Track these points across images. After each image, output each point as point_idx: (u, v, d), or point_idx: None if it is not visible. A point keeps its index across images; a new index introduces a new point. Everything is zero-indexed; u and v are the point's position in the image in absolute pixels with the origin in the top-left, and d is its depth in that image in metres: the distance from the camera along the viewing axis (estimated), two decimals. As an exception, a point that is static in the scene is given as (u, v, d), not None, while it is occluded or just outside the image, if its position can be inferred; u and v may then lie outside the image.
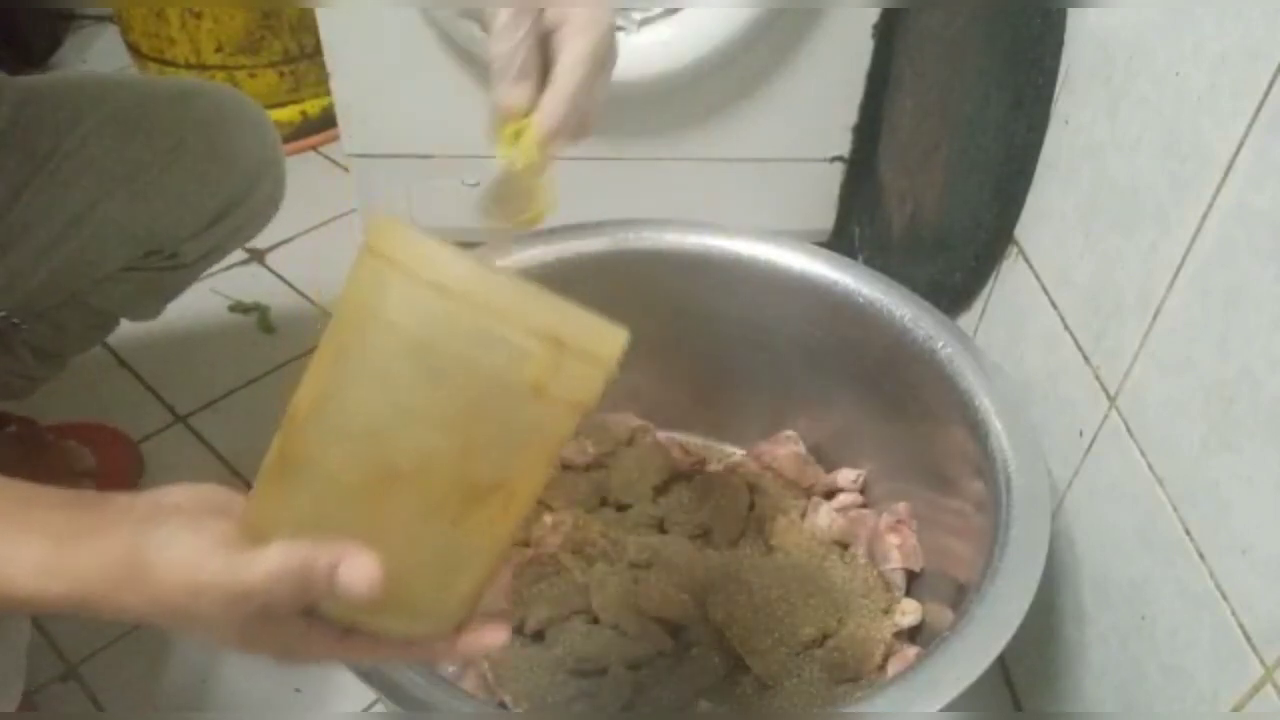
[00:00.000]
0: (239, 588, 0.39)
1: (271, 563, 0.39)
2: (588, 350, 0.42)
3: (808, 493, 0.96)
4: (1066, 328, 0.79)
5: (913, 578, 0.88)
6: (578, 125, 0.61)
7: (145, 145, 0.83)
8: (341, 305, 0.42)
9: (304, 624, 0.42)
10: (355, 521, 0.41)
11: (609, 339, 0.44)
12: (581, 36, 0.56)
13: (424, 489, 0.41)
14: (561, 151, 0.60)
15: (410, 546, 0.42)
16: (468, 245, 0.89)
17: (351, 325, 0.42)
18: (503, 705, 0.78)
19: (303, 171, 1.48)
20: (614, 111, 1.18)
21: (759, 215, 1.22)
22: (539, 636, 0.84)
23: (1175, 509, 0.65)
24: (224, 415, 1.13)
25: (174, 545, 0.40)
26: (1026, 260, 0.85)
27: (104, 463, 1.01)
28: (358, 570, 0.39)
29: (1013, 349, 0.88)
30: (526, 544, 0.90)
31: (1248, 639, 0.58)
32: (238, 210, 0.90)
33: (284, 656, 0.44)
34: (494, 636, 0.45)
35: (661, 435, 1.01)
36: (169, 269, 0.91)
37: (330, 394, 0.42)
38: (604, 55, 0.58)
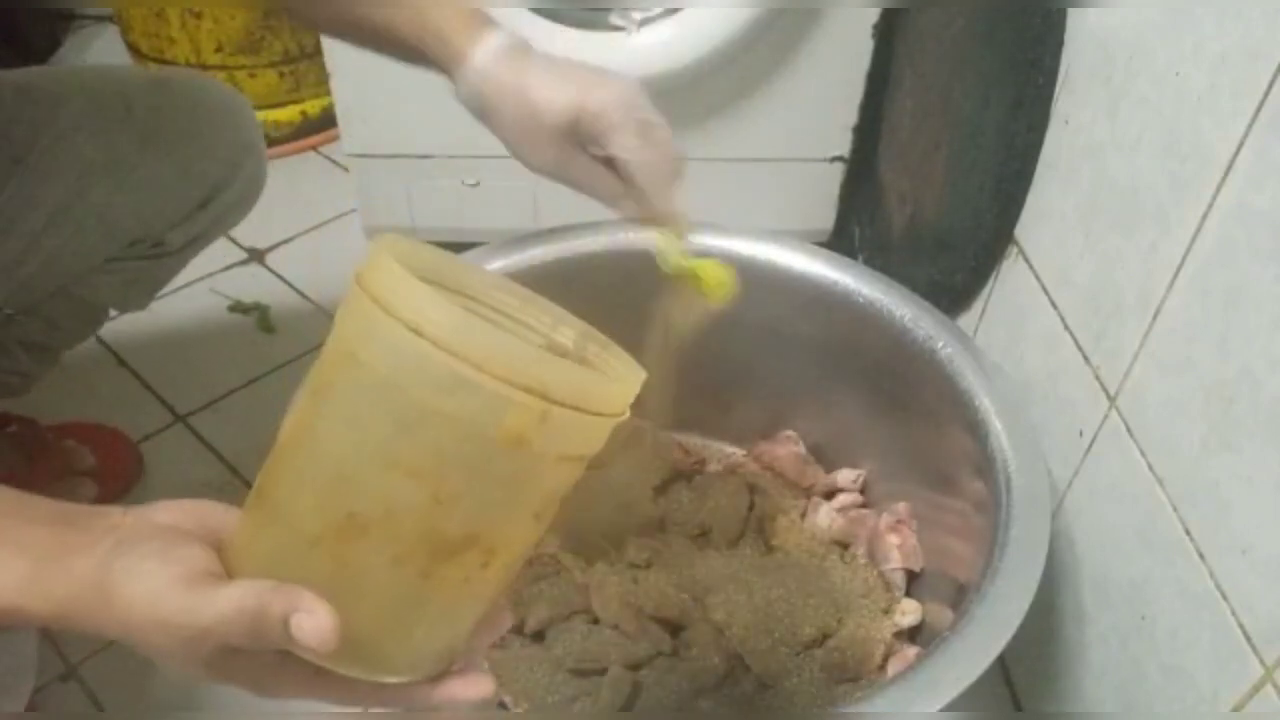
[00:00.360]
0: (195, 628, 0.39)
1: (227, 605, 0.39)
2: (582, 403, 0.40)
3: (808, 493, 0.96)
4: (1066, 328, 0.79)
5: (913, 578, 0.88)
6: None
7: (123, 135, 0.83)
8: (329, 339, 0.41)
9: (276, 660, 0.41)
10: (319, 566, 0.40)
11: (614, 389, 0.42)
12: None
13: (390, 539, 0.40)
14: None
15: (375, 597, 0.41)
16: (467, 246, 0.90)
17: (330, 362, 0.40)
18: (503, 705, 0.77)
19: (303, 171, 1.48)
20: (614, 111, 1.18)
21: (759, 215, 1.22)
22: (539, 636, 0.84)
23: (1175, 509, 0.65)
24: (224, 415, 1.13)
25: (138, 578, 0.40)
26: (1026, 260, 0.85)
27: (104, 463, 1.01)
28: (310, 622, 0.38)
29: (1013, 349, 0.88)
30: (526, 544, 0.90)
31: (1248, 639, 0.58)
32: (220, 196, 0.90)
33: (256, 691, 0.43)
34: (472, 690, 0.44)
35: (661, 435, 1.01)
36: (155, 258, 0.90)
37: (303, 431, 0.41)
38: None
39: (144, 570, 0.40)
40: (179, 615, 0.39)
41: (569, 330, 0.48)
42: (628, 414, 0.43)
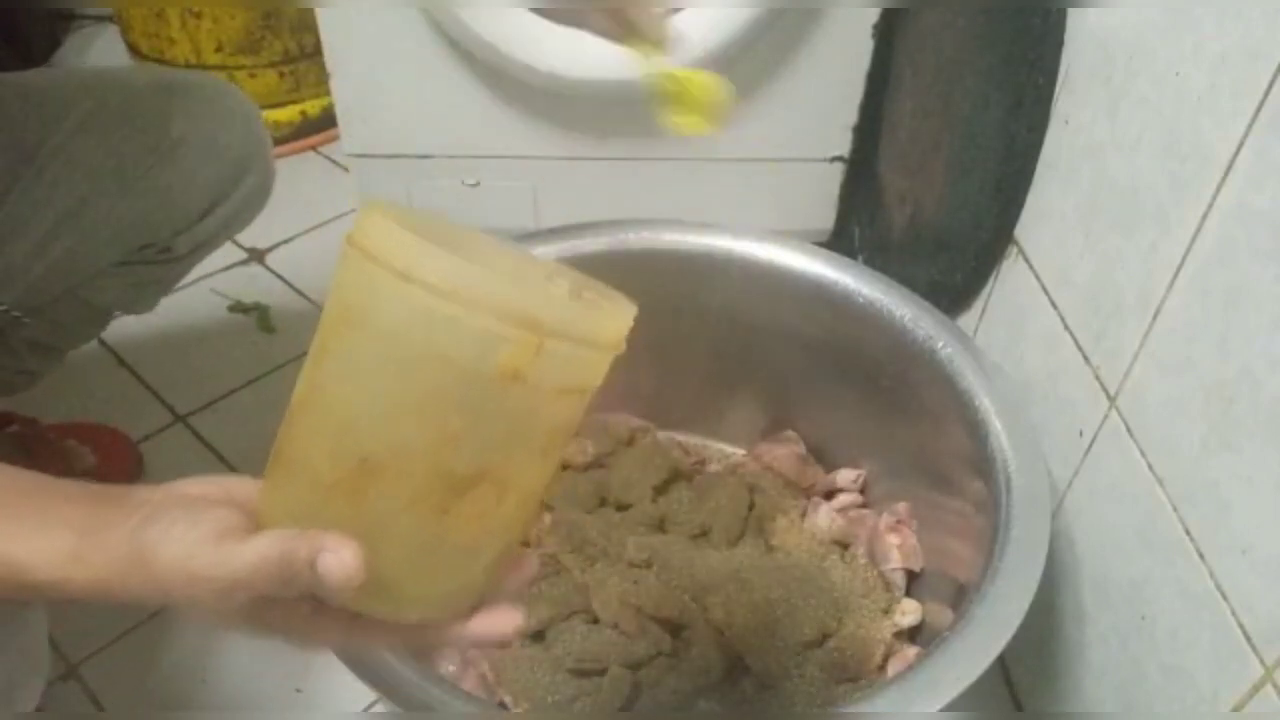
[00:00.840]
0: (226, 580, 0.40)
1: (254, 554, 0.40)
2: (577, 334, 0.41)
3: (808, 493, 0.96)
4: (1066, 328, 0.79)
5: (913, 578, 0.88)
6: None
7: (132, 140, 0.83)
8: (328, 299, 0.42)
9: (310, 609, 0.43)
10: (339, 511, 0.41)
11: (606, 321, 0.43)
12: None
13: (403, 480, 0.41)
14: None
15: (396, 537, 0.42)
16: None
17: (331, 319, 0.42)
18: (503, 705, 0.78)
19: (303, 171, 1.48)
20: (614, 111, 1.19)
21: (759, 215, 1.22)
22: (539, 636, 0.84)
23: (1175, 509, 0.65)
24: (224, 415, 1.13)
25: (170, 541, 0.41)
26: (1026, 260, 0.85)
27: (104, 462, 1.01)
28: (335, 560, 0.40)
29: (1013, 349, 0.88)
30: (526, 544, 0.90)
31: (1248, 639, 0.58)
32: (228, 201, 0.90)
33: (293, 640, 0.45)
34: (505, 622, 0.45)
35: (661, 435, 1.01)
36: (162, 263, 0.90)
37: (310, 390, 0.42)
38: None
39: (174, 534, 0.41)
40: (209, 569, 0.40)
41: (563, 281, 0.49)
42: (623, 348, 0.44)
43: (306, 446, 0.42)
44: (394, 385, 0.40)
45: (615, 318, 0.44)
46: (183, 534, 0.41)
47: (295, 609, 0.43)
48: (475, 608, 0.46)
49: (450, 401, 0.40)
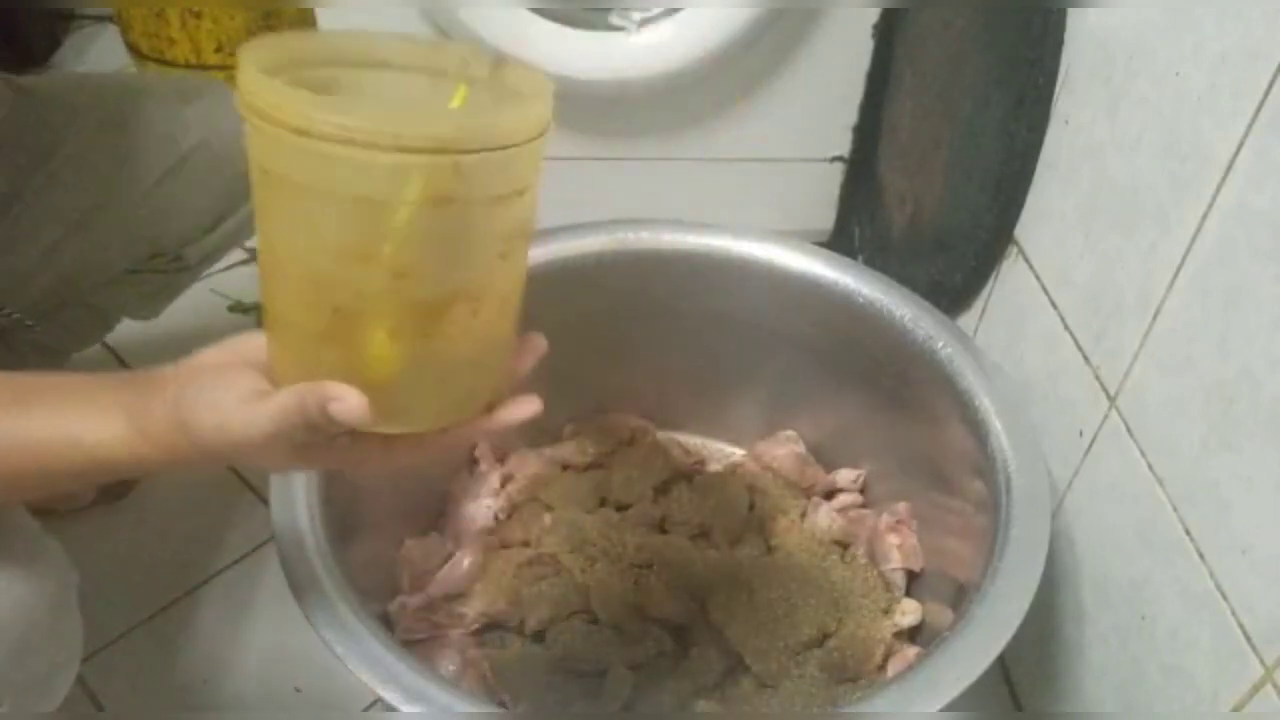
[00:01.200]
0: (260, 438, 0.45)
1: (274, 413, 0.44)
2: (493, 140, 0.41)
3: (808, 493, 0.96)
4: (1066, 328, 0.79)
5: (913, 578, 0.88)
6: None
7: (144, 148, 0.83)
8: (249, 160, 0.43)
9: (348, 440, 0.48)
10: (336, 354, 0.44)
11: (521, 112, 0.43)
12: None
13: (379, 319, 0.43)
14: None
15: (395, 366, 0.44)
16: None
17: (255, 181, 0.43)
18: (503, 705, 0.78)
19: (303, 171, 1.48)
20: (614, 111, 1.19)
21: (759, 215, 1.22)
22: (539, 636, 0.84)
23: (1175, 509, 0.65)
24: (224, 415, 1.13)
25: (201, 411, 0.46)
26: (1026, 260, 0.85)
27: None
28: (342, 406, 0.43)
29: (1013, 349, 0.88)
30: (526, 544, 0.90)
31: (1248, 639, 0.58)
32: (239, 210, 0.90)
33: (345, 467, 0.52)
34: (524, 410, 0.49)
35: (661, 435, 1.01)
36: (173, 271, 0.91)
37: (266, 249, 0.45)
38: None
39: (204, 405, 0.46)
40: (243, 432, 0.45)
41: (482, 63, 0.49)
42: (546, 134, 0.44)
43: (284, 305, 0.45)
44: (331, 235, 0.41)
45: (531, 104, 0.43)
46: (212, 404, 0.46)
47: (336, 443, 0.48)
48: (493, 403, 0.49)
49: (390, 239, 0.41)
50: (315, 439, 0.46)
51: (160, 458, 0.47)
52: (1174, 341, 0.65)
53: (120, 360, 1.18)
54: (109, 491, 1.01)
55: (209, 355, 0.50)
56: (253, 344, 0.49)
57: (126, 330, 1.21)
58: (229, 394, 0.46)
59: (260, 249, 0.45)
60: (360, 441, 0.48)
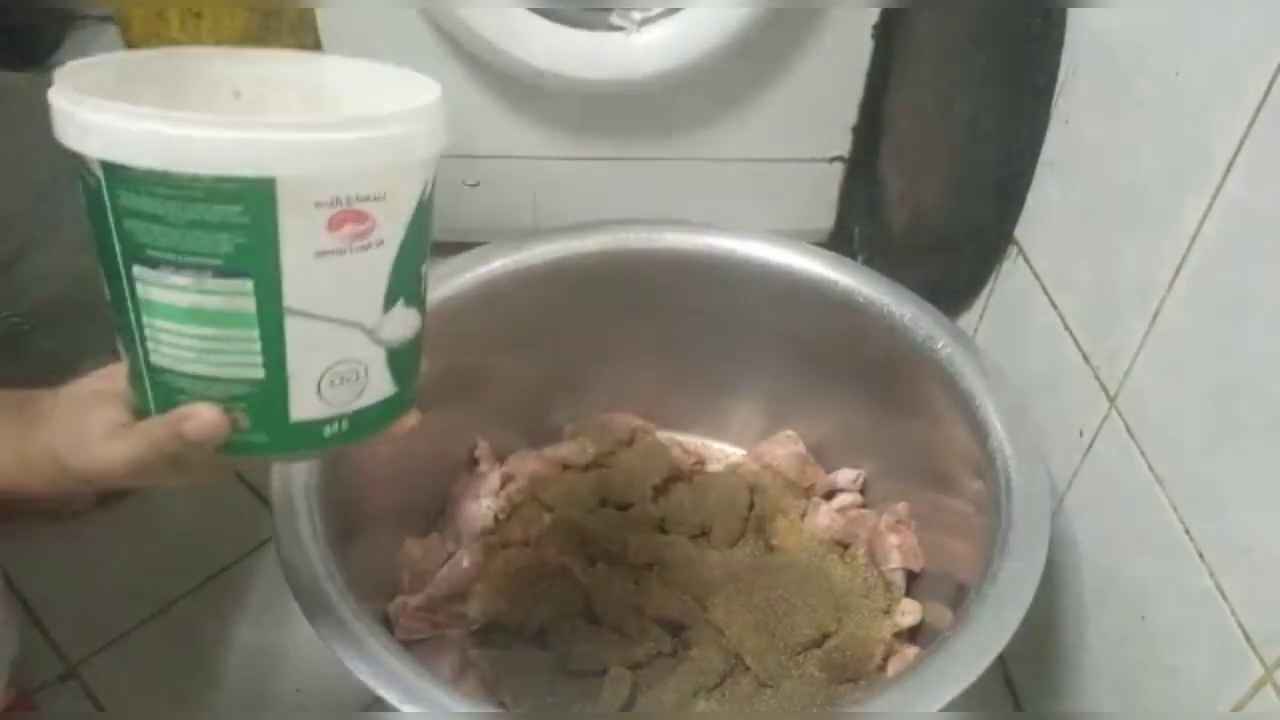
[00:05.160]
0: (123, 470, 0.46)
1: (129, 449, 0.46)
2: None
3: (808, 493, 0.96)
4: (1066, 328, 0.79)
5: (913, 578, 0.88)
6: None
7: None
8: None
9: (221, 457, 0.48)
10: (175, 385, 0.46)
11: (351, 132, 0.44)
12: None
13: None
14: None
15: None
16: (467, 245, 0.90)
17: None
18: (503, 705, 0.77)
19: (303, 171, 1.48)
20: (614, 111, 1.19)
21: (759, 215, 1.21)
22: (539, 636, 0.84)
23: (1175, 509, 0.65)
24: (224, 415, 1.13)
25: (70, 445, 0.47)
26: (1026, 260, 0.85)
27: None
28: (196, 424, 0.45)
29: (1013, 349, 0.88)
30: (526, 544, 0.90)
31: (1248, 639, 0.58)
32: None
33: (216, 478, 0.51)
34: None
35: (661, 435, 1.01)
36: None
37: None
38: None
39: (74, 434, 0.47)
40: (108, 466, 0.46)
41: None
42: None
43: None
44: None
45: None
46: (79, 436, 0.47)
47: (209, 462, 0.48)
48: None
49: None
50: (177, 467, 0.47)
51: (42, 486, 0.49)
52: (1174, 341, 0.65)
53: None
54: (108, 494, 1.01)
55: (88, 382, 0.51)
56: (120, 374, 0.50)
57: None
58: (94, 428, 0.47)
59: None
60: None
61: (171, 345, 0.45)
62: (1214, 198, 0.61)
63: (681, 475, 0.97)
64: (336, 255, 0.44)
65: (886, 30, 1.11)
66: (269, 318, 0.44)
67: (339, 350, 0.47)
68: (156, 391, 0.46)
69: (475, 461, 0.96)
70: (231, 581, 0.96)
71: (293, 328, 0.45)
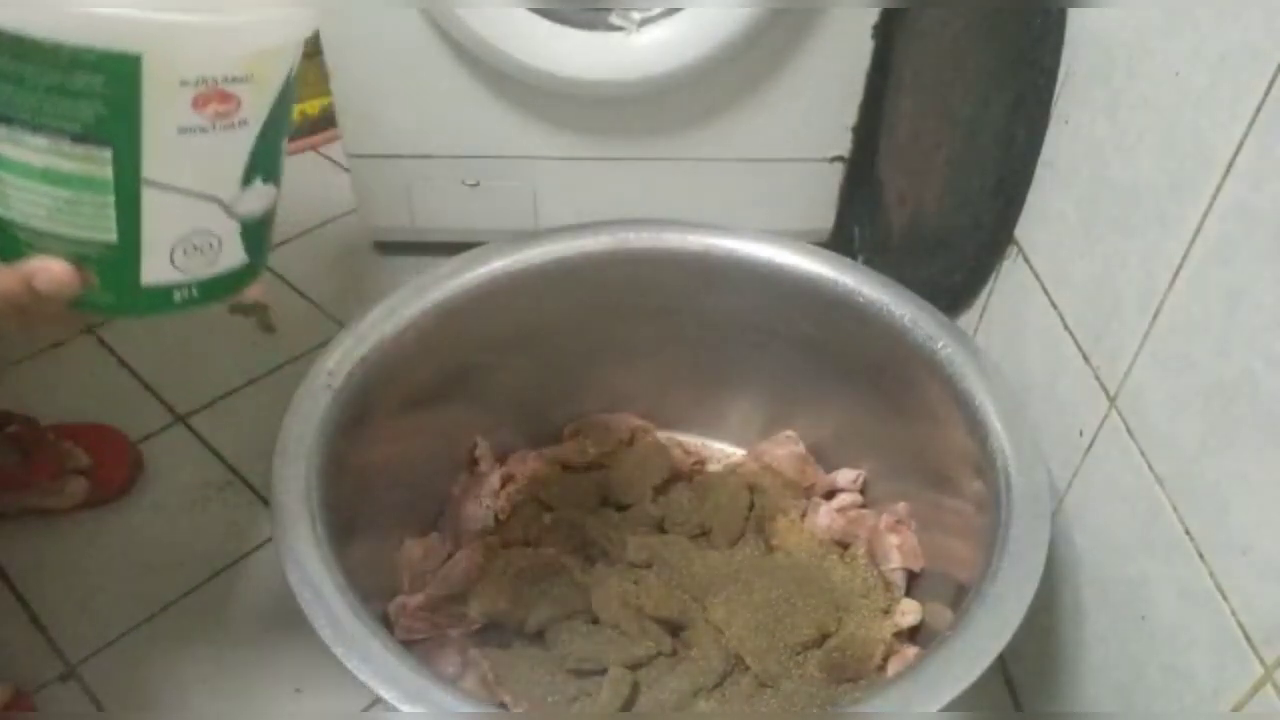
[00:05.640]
0: None
1: None
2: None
3: (808, 493, 0.96)
4: (1066, 328, 0.79)
5: (913, 578, 0.88)
6: None
7: None
8: None
9: (63, 312, 0.48)
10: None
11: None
12: None
13: None
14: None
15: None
16: (467, 245, 0.90)
17: None
18: (503, 705, 0.78)
19: (303, 171, 1.48)
20: (614, 111, 1.19)
21: (759, 215, 1.22)
22: (539, 636, 0.84)
23: (1175, 509, 0.65)
24: (224, 415, 1.13)
25: None
26: (1026, 260, 0.85)
27: (102, 463, 1.01)
28: (48, 276, 0.45)
29: (1013, 349, 0.88)
30: (526, 544, 0.90)
31: (1248, 639, 0.58)
32: None
33: (59, 332, 0.51)
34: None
35: (661, 435, 1.01)
36: None
37: None
38: None
39: None
40: None
41: None
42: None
43: None
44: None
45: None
46: None
47: (59, 317, 0.49)
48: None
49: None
50: (31, 318, 0.47)
51: None
52: (1174, 341, 0.65)
53: (120, 360, 1.18)
54: (106, 492, 1.01)
55: None
56: None
57: (127, 330, 1.21)
58: None
59: None
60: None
61: (22, 201, 0.45)
62: (1214, 198, 0.61)
63: (681, 475, 0.97)
64: (199, 133, 0.45)
65: (886, 30, 1.11)
66: (125, 186, 0.45)
67: (194, 222, 0.48)
68: (3, 243, 0.47)
69: (475, 461, 0.96)
70: (231, 581, 0.96)
71: (149, 198, 0.46)
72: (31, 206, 0.45)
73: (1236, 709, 0.59)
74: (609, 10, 1.05)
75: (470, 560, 0.87)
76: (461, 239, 0.95)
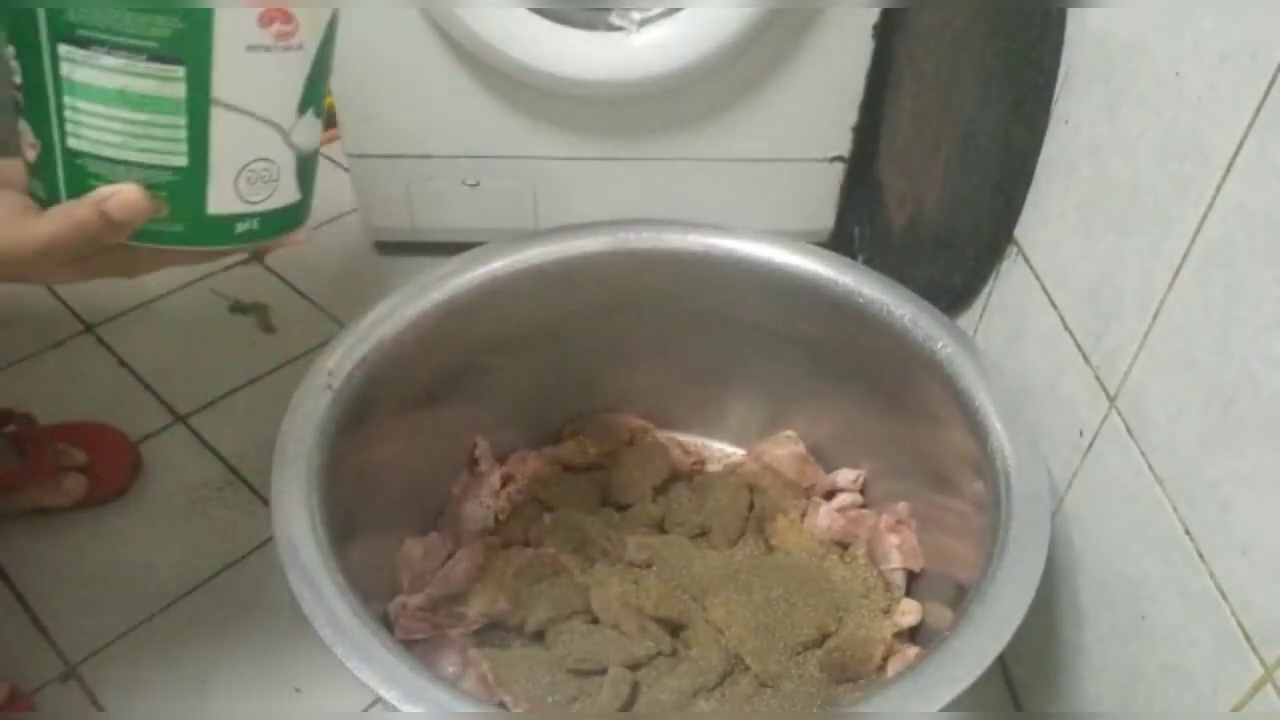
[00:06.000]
0: (36, 249, 0.46)
1: (49, 226, 0.46)
2: None
3: (808, 493, 0.96)
4: (1066, 328, 0.79)
5: (913, 578, 0.88)
6: None
7: None
8: None
9: (127, 249, 0.49)
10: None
11: None
12: None
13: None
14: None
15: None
16: (467, 245, 0.90)
17: None
18: (503, 705, 0.77)
19: (303, 171, 1.48)
20: (614, 111, 1.19)
21: (759, 215, 1.22)
22: (539, 636, 0.84)
23: (1175, 509, 0.65)
24: (224, 415, 1.13)
25: None
26: (1026, 260, 0.85)
27: (102, 463, 1.01)
28: (119, 200, 0.45)
29: (1013, 349, 0.88)
30: (526, 544, 0.90)
31: (1248, 639, 0.58)
32: None
33: (125, 274, 0.51)
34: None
35: (661, 435, 1.01)
36: None
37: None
38: None
39: None
40: (25, 241, 0.46)
41: None
42: None
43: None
44: None
45: None
46: None
47: (115, 253, 0.49)
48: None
49: None
50: (93, 250, 0.48)
51: None
52: (1174, 341, 0.65)
53: (120, 360, 1.18)
54: (105, 492, 1.01)
55: None
56: (12, 167, 0.50)
57: (127, 330, 1.21)
58: (2, 212, 0.47)
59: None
60: (140, 251, 0.49)
61: (95, 128, 0.46)
62: (1214, 198, 0.61)
63: (681, 475, 0.97)
64: (264, 51, 0.46)
65: (886, 30, 1.11)
66: (197, 106, 0.46)
67: (258, 147, 0.49)
68: (70, 177, 0.47)
69: (475, 461, 0.96)
70: (231, 581, 0.96)
71: (218, 119, 0.47)
72: (104, 134, 0.46)
73: (1236, 709, 0.59)
74: (609, 10, 1.05)
75: (470, 560, 0.87)
76: (461, 239, 0.95)
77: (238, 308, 1.27)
